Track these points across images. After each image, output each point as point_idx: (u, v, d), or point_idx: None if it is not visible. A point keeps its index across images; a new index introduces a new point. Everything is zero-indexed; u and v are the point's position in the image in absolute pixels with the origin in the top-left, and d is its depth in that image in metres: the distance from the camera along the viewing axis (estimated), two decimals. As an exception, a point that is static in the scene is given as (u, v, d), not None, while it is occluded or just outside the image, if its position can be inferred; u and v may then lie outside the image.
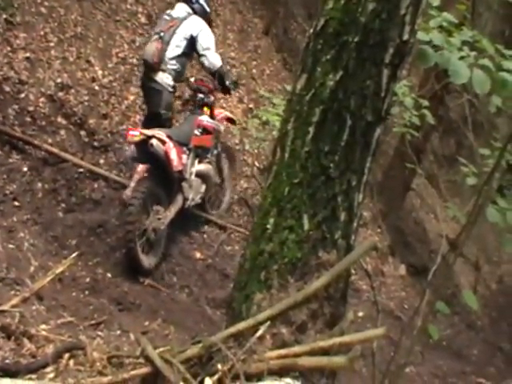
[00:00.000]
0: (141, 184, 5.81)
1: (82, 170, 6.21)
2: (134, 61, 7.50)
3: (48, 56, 6.61)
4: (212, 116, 6.54)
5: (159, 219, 5.78)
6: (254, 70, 9.35)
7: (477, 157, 6.05)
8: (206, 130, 6.42)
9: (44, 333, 3.57)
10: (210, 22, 6.49)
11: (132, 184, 5.99)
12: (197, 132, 6.33)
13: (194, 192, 6.27)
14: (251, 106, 9.02)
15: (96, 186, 6.22)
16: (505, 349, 9.55)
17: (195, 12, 6.26)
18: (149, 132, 5.66)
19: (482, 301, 11.17)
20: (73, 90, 6.61)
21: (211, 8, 7.01)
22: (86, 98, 6.70)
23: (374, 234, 9.31)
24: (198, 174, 6.37)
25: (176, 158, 5.79)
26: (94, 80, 6.93)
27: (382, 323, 5.46)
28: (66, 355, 3.17)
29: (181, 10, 6.27)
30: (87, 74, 6.90)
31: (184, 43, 6.08)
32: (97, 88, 6.90)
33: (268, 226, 2.93)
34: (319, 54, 2.79)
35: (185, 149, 6.10)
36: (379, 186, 10.22)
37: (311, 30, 2.87)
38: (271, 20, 10.73)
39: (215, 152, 6.76)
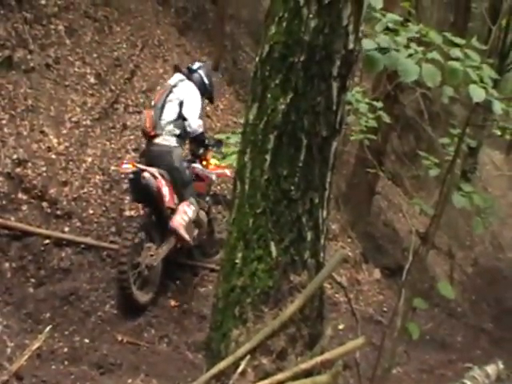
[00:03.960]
0: (134, 221, 5.96)
1: (47, 241, 6.20)
2: (88, 122, 7.55)
3: (1, 134, 6.62)
4: (206, 167, 6.83)
5: (151, 256, 5.92)
6: (208, 108, 9.45)
7: (437, 147, 6.14)
8: (199, 178, 6.72)
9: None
10: (211, 98, 6.86)
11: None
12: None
13: (187, 233, 6.23)
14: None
15: (63, 254, 6.23)
16: (488, 329, 9.68)
17: (190, 79, 6.54)
18: (142, 166, 5.91)
19: (459, 287, 11.35)
20: (30, 164, 6.63)
21: (216, 89, 7.31)
22: (44, 168, 6.71)
23: (345, 244, 9.38)
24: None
25: (168, 194, 6.02)
26: (49, 149, 6.94)
27: (363, 331, 5.52)
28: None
29: (174, 78, 6.55)
30: (42, 144, 6.92)
31: (177, 109, 6.29)
32: (53, 157, 6.92)
33: (237, 261, 2.91)
34: (268, 80, 2.80)
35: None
36: (344, 196, 10.32)
37: (257, 58, 2.87)
38: (219, 55, 10.84)
39: (207, 199, 6.95)
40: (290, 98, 2.75)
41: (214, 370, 2.70)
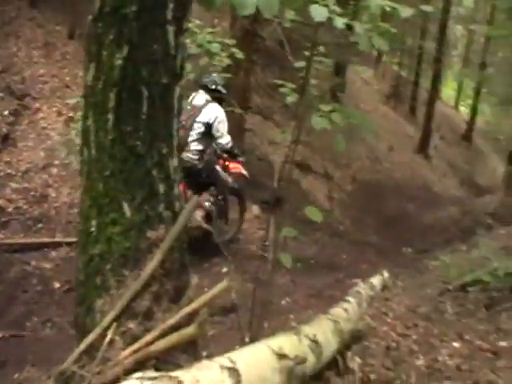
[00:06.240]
0: None
1: None
2: None
3: None
4: (225, 168, 7.59)
5: None
6: (67, 78, 9.08)
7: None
8: None
9: None
10: (221, 99, 7.39)
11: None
12: None
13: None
14: (71, 114, 8.81)
15: None
16: (372, 242, 10.04)
17: (214, 98, 7.24)
18: None
19: (340, 206, 11.65)
20: None
21: None
22: None
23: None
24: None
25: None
26: None
27: (248, 268, 5.56)
28: None
29: (201, 98, 7.23)
30: None
31: (202, 128, 7.05)
32: None
33: (92, 229, 2.83)
34: (102, 37, 2.69)
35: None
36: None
37: (89, 17, 2.76)
38: (74, 22, 10.46)
39: (220, 197, 7.51)
40: (126, 51, 2.68)
41: (83, 346, 2.63)
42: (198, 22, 6.56)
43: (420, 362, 3.68)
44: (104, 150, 2.77)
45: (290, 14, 3.90)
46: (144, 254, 2.80)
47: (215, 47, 6.50)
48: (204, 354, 4.09)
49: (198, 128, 7.06)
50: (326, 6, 3.42)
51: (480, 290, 4.98)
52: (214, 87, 7.31)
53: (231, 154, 7.62)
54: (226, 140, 7.24)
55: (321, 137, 10.81)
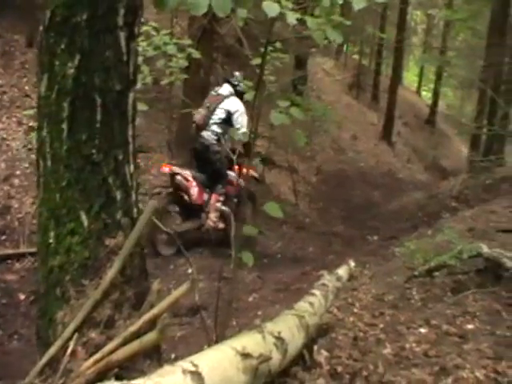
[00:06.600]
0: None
1: None
2: None
3: None
4: (239, 173, 8.13)
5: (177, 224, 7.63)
6: (27, 87, 8.98)
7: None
8: (231, 183, 8.17)
9: None
10: (242, 95, 7.76)
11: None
12: None
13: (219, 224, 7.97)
14: (32, 124, 8.79)
15: None
16: (338, 232, 10.07)
17: (236, 92, 8.00)
18: (176, 169, 7.72)
19: (305, 198, 11.67)
20: None
21: None
22: None
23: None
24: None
25: (196, 193, 7.79)
26: None
27: (215, 269, 5.55)
28: None
29: (225, 89, 8.05)
30: None
31: (224, 115, 7.89)
32: None
33: (50, 241, 2.80)
34: (54, 47, 2.67)
35: (208, 190, 8.02)
36: (176, 140, 10.26)
37: (40, 28, 2.73)
38: (33, 30, 10.33)
39: (235, 200, 8.09)
40: (78, 59, 2.66)
41: (45, 359, 2.61)
42: (154, 24, 6.54)
43: (387, 350, 3.69)
44: (60, 160, 2.75)
45: (242, 13, 3.88)
46: (103, 263, 2.78)
47: (171, 49, 6.48)
48: (173, 356, 4.12)
49: (220, 113, 7.88)
50: (279, 2, 3.44)
51: (446, 274, 5.02)
52: (236, 83, 8.07)
53: (248, 148, 7.76)
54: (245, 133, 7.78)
55: (284, 131, 10.86)
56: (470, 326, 4.00)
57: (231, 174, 8.17)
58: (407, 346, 3.75)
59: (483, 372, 3.17)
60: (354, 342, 3.85)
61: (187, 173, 7.77)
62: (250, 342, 2.72)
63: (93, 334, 2.62)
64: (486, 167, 11.85)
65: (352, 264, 5.90)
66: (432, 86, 31.38)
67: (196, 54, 7.10)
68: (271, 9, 3.35)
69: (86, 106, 2.71)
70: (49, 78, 2.72)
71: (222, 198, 8.03)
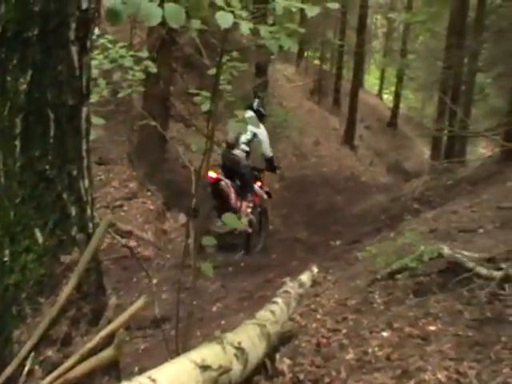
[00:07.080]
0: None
1: None
2: None
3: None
4: (261, 186, 9.50)
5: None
6: None
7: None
8: (255, 194, 9.25)
9: None
10: (262, 118, 9.00)
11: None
12: None
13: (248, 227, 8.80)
14: None
15: None
16: (302, 238, 10.06)
17: (257, 116, 8.15)
18: (221, 177, 8.60)
19: (269, 206, 11.69)
20: None
21: None
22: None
23: (146, 199, 9.35)
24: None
25: (233, 198, 8.66)
26: None
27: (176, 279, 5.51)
28: None
29: (249, 114, 8.09)
30: None
31: (250, 136, 8.87)
32: None
33: (5, 259, 2.76)
34: (5, 63, 2.65)
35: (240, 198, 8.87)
36: (137, 151, 10.17)
37: None
38: None
39: (258, 209, 9.41)
40: (30, 74, 2.65)
41: (1, 379, 2.56)
42: (112, 36, 6.49)
43: (350, 355, 3.70)
44: (13, 177, 2.72)
45: (196, 23, 3.87)
46: (59, 280, 2.76)
47: (128, 61, 6.44)
48: (136, 368, 4.08)
49: (247, 134, 8.78)
50: (232, 12, 3.43)
51: (408, 276, 5.03)
52: (256, 108, 9.05)
53: (271, 165, 9.58)
54: (268, 151, 9.29)
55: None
56: (432, 328, 4.01)
57: (255, 186, 9.26)
58: (370, 350, 3.75)
59: (445, 373, 3.18)
60: (317, 349, 3.86)
61: (228, 181, 8.69)
62: (209, 353, 2.71)
63: (50, 352, 2.59)
64: (448, 168, 11.96)
65: (315, 270, 5.91)
66: (393, 88, 31.67)
67: (152, 68, 7.02)
68: (224, 19, 3.35)
69: (38, 121, 2.69)
70: (1, 93, 2.70)
71: (251, 205, 9.04)
